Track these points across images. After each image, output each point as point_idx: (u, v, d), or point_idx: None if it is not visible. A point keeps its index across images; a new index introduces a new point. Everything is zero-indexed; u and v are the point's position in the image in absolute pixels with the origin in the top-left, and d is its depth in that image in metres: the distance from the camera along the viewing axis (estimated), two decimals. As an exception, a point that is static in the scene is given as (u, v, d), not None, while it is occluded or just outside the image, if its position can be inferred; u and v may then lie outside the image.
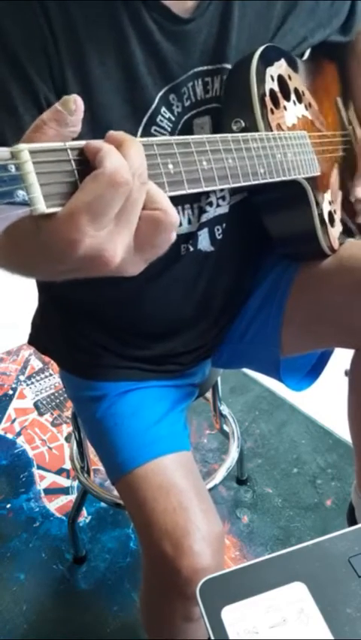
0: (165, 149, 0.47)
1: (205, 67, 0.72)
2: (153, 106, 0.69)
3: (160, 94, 0.70)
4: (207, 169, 0.51)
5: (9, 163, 0.36)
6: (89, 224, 0.39)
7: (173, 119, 0.72)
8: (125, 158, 0.40)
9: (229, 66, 0.73)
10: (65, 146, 0.40)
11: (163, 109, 0.70)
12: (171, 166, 0.47)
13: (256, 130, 0.69)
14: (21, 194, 0.37)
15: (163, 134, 0.72)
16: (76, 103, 0.40)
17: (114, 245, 0.41)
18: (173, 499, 0.75)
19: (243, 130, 0.69)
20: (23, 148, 0.37)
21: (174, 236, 0.44)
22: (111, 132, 0.42)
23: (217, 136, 0.54)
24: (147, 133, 0.70)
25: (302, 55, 0.88)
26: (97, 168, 0.40)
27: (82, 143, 0.41)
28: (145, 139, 0.45)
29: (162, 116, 0.71)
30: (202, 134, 0.75)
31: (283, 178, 0.67)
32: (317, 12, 0.82)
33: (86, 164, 0.41)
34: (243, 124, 0.69)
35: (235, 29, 0.72)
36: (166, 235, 0.44)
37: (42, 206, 0.38)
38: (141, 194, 0.41)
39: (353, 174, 0.93)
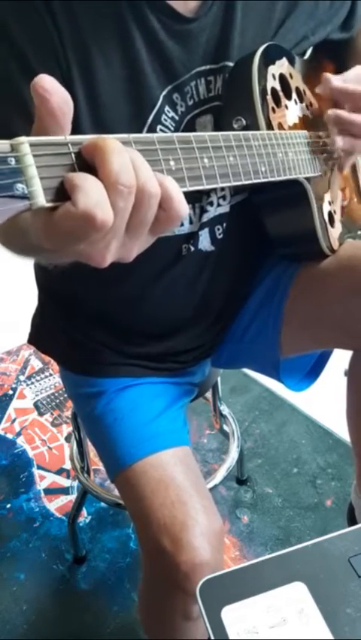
0: (167, 145, 0.47)
1: (208, 67, 0.72)
2: (158, 105, 0.69)
3: (164, 93, 0.70)
4: (208, 166, 0.51)
5: (9, 156, 0.36)
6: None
7: (176, 118, 0.72)
8: (100, 167, 0.39)
9: (231, 64, 0.73)
10: (65, 139, 0.39)
11: (167, 108, 0.71)
12: (172, 162, 0.47)
13: (257, 128, 0.69)
14: (20, 187, 0.36)
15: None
16: (42, 81, 0.38)
17: (103, 252, 0.41)
18: (172, 493, 0.75)
19: (244, 128, 0.69)
20: (24, 140, 0.36)
21: (184, 211, 0.43)
22: (83, 145, 0.40)
23: (219, 134, 0.54)
24: (151, 132, 0.70)
25: (304, 54, 0.88)
26: (97, 169, 0.39)
27: (83, 137, 0.40)
28: (147, 135, 0.45)
29: (166, 115, 0.71)
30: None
31: (285, 177, 0.67)
32: (317, 11, 0.82)
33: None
34: (244, 122, 0.69)
35: (237, 28, 0.72)
36: (150, 210, 0.42)
37: (42, 200, 0.37)
38: (127, 202, 0.40)
39: (354, 174, 0.93)
